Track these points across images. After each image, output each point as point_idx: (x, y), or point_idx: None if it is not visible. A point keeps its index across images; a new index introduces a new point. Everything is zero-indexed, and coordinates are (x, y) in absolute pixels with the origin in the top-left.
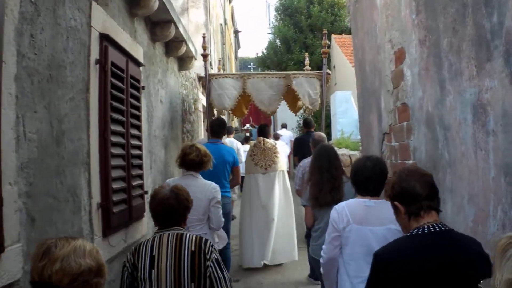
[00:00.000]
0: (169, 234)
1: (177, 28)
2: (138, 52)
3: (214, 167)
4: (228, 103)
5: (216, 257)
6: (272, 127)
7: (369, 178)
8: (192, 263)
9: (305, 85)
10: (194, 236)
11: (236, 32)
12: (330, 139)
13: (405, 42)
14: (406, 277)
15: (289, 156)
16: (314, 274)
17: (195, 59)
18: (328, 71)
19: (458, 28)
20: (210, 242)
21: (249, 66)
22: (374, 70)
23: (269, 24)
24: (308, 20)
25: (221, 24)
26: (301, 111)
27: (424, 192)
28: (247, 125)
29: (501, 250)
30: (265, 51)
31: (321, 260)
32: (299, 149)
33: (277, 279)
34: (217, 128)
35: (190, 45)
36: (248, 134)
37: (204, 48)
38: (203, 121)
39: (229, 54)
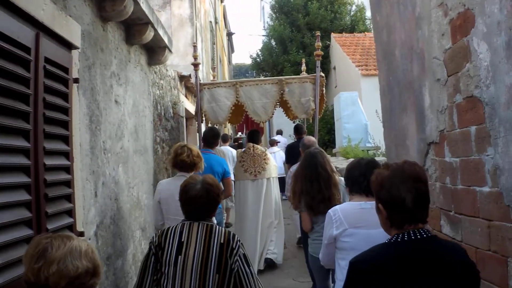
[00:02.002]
0: (199, 223)
1: (136, 2)
2: (68, 29)
3: None
4: (222, 116)
5: (243, 252)
6: (268, 133)
7: (364, 176)
8: (220, 255)
9: (297, 92)
10: (223, 229)
11: (230, 34)
12: (334, 147)
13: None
14: (375, 285)
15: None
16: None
17: (170, 51)
18: (322, 74)
19: None
20: (238, 237)
21: (247, 74)
22: (410, 54)
23: (264, 26)
24: (305, 18)
25: (210, 22)
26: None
27: (414, 205)
28: (239, 133)
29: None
30: (259, 52)
31: (322, 264)
32: (291, 156)
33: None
34: (209, 138)
35: (161, 31)
36: (237, 143)
37: (195, 57)
38: (186, 128)
39: (221, 56)
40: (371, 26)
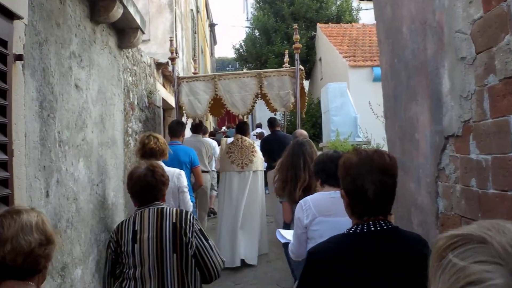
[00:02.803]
0: (149, 209)
1: None
2: None
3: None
4: (200, 109)
5: (198, 227)
6: (250, 126)
7: (334, 166)
8: (174, 234)
9: (276, 85)
10: (175, 209)
11: (212, 25)
12: (320, 141)
13: None
14: (339, 279)
15: None
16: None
17: (143, 32)
18: (301, 67)
19: None
20: (191, 214)
21: (227, 68)
22: (423, 29)
23: (247, 17)
24: (290, 7)
25: (192, 10)
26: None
27: (376, 198)
28: (223, 127)
29: (437, 255)
30: (242, 43)
31: (291, 256)
32: (265, 150)
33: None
34: (174, 128)
35: (132, 9)
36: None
37: (172, 51)
38: (164, 120)
39: (203, 47)
40: (358, 17)
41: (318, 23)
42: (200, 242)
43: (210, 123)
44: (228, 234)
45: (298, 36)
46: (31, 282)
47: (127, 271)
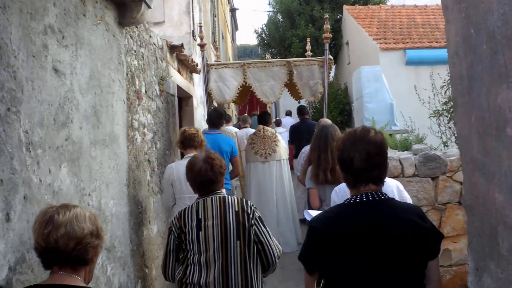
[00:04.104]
0: (212, 198)
1: None
2: None
3: None
4: (229, 95)
5: (258, 214)
6: (274, 114)
7: None
8: (237, 222)
9: (305, 75)
10: (236, 198)
11: (233, 10)
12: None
13: None
14: (332, 241)
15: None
16: None
17: (148, 6)
18: (330, 57)
19: None
20: (251, 203)
21: (252, 55)
22: None
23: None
24: None
25: None
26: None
27: (363, 165)
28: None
29: None
30: (265, 28)
31: None
32: (294, 137)
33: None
34: (214, 119)
35: None
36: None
37: (201, 37)
38: (181, 110)
39: (224, 32)
40: None
41: (344, 5)
42: (259, 227)
43: (232, 111)
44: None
45: (329, 26)
46: (78, 277)
47: (191, 257)
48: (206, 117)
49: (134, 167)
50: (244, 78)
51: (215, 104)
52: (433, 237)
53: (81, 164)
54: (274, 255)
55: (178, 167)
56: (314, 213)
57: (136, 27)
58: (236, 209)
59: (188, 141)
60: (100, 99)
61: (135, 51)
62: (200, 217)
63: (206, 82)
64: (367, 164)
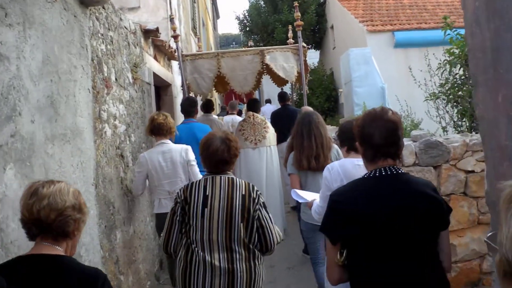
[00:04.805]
0: (221, 177)
1: None
2: None
3: None
4: (205, 87)
5: (262, 200)
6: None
7: None
8: (243, 206)
9: (279, 58)
10: (244, 181)
11: None
12: (334, 116)
13: None
14: (349, 218)
15: None
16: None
17: None
18: (304, 44)
19: None
20: (257, 189)
21: (231, 46)
22: None
23: None
24: None
25: None
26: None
27: (382, 141)
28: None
29: (506, 201)
30: (246, 14)
31: (315, 216)
32: (275, 123)
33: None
34: (187, 107)
35: None
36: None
37: (174, 29)
38: (160, 99)
39: (205, 19)
40: None
41: None
42: (262, 212)
43: (215, 100)
44: None
45: (299, 14)
46: (59, 248)
47: (193, 234)
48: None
49: (104, 163)
50: (219, 68)
51: (192, 94)
52: (446, 208)
53: (34, 163)
54: (273, 241)
55: (151, 155)
56: (302, 193)
57: (103, 8)
58: (243, 192)
59: (157, 130)
60: (58, 87)
61: (102, 35)
62: (207, 193)
63: (183, 73)
64: (386, 140)
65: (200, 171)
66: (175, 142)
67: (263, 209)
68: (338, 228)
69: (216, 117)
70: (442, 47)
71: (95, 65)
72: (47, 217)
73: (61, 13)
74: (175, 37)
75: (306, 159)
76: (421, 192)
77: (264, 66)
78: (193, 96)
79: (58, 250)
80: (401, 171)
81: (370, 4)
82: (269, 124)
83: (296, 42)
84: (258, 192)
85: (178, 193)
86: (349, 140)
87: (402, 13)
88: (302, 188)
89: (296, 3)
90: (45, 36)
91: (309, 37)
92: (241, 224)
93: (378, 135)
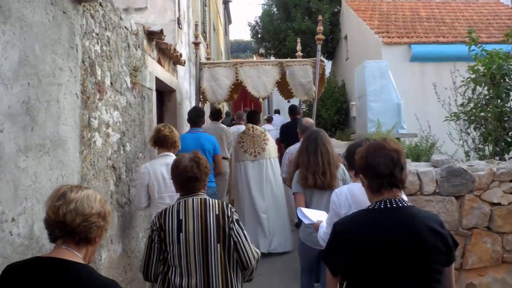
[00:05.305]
0: (193, 199)
1: None
2: None
3: None
4: (221, 94)
5: (236, 218)
6: (267, 111)
7: None
8: (218, 226)
9: (298, 74)
10: (216, 201)
11: (226, 2)
12: (344, 129)
13: None
14: (354, 246)
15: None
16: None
17: None
18: (322, 58)
19: None
20: (230, 206)
21: (246, 52)
22: None
23: None
24: None
25: None
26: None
27: (387, 171)
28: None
29: None
30: (258, 20)
31: (321, 242)
32: (285, 136)
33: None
34: (195, 117)
35: None
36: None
37: (196, 36)
38: (163, 106)
39: (216, 24)
40: None
41: None
42: (237, 231)
43: (223, 107)
44: (253, 223)
45: (322, 27)
46: (79, 254)
47: (171, 259)
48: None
49: (91, 176)
50: (237, 75)
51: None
52: (452, 244)
53: (2, 180)
54: (249, 257)
55: (155, 167)
56: (308, 212)
57: (101, 5)
58: (217, 212)
59: (161, 142)
60: (37, 91)
61: (97, 34)
62: (181, 217)
63: (199, 80)
64: (391, 170)
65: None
66: (181, 151)
67: (236, 224)
68: (340, 257)
69: (225, 126)
70: (460, 63)
71: (86, 68)
72: (73, 221)
73: (46, 7)
74: (196, 44)
75: (312, 176)
76: (427, 226)
77: (280, 78)
78: (199, 106)
79: (78, 256)
80: (406, 203)
81: (386, 15)
82: (269, 136)
83: (311, 49)
84: (232, 210)
85: (153, 220)
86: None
87: (419, 25)
88: (307, 206)
89: (320, 17)
90: (24, 33)
91: (321, 47)
92: (218, 245)
93: (383, 164)
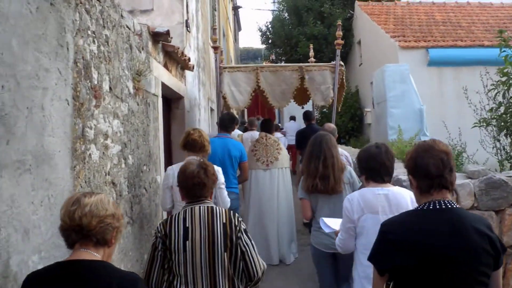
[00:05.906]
0: (200, 207)
1: None
2: None
3: (221, 162)
4: (243, 101)
5: (244, 227)
6: (277, 118)
7: (383, 164)
8: (225, 234)
9: (316, 80)
10: (223, 209)
11: (236, 8)
12: (358, 136)
13: None
14: (402, 247)
15: (290, 149)
16: None
17: None
18: (341, 63)
19: None
20: (237, 215)
21: (258, 59)
22: None
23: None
24: None
25: None
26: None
27: (436, 171)
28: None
29: None
30: (269, 25)
31: (338, 249)
32: (300, 143)
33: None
34: (227, 122)
35: None
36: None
37: (215, 40)
38: (169, 112)
39: (226, 30)
40: None
41: (356, 1)
42: (245, 240)
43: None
44: (260, 233)
45: (341, 33)
46: (97, 255)
47: (176, 268)
48: (217, 121)
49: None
50: (258, 82)
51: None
52: (501, 248)
53: None
54: (256, 269)
55: (178, 169)
56: (329, 221)
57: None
58: (224, 221)
59: (190, 146)
60: (15, 97)
61: (93, 32)
62: (187, 225)
63: (219, 85)
64: (441, 171)
65: (227, 187)
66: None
67: (245, 234)
68: (389, 258)
69: (236, 130)
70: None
71: (79, 70)
72: (89, 224)
73: (25, 1)
74: (216, 48)
75: (313, 181)
76: (476, 229)
77: (299, 83)
78: (232, 112)
79: (97, 256)
80: (455, 205)
81: (401, 19)
82: (282, 146)
83: (323, 55)
84: (239, 219)
85: (158, 227)
86: (368, 169)
87: (435, 29)
88: (313, 212)
89: (339, 22)
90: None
91: (334, 52)
92: (225, 253)
93: (433, 165)
